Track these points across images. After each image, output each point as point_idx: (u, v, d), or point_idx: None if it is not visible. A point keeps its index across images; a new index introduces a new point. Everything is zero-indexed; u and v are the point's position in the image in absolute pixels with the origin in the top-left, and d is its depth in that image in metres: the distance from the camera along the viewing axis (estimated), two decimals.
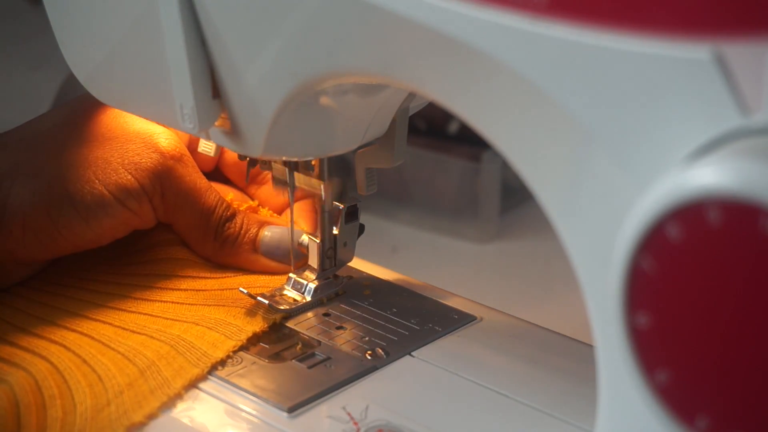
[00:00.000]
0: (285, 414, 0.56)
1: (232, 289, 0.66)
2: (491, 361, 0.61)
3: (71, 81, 0.66)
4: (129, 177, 0.64)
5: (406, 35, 0.47)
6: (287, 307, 0.64)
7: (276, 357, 0.61)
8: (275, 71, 0.53)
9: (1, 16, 1.12)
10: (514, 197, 0.97)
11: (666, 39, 0.40)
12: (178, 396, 0.57)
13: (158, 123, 0.65)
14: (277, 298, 0.65)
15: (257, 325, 0.63)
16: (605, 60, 0.42)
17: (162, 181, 0.65)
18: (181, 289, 0.66)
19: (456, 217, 0.94)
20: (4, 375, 0.58)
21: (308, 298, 0.65)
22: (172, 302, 0.65)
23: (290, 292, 0.66)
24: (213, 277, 0.67)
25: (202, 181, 0.67)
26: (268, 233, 0.67)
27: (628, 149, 0.42)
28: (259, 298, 0.64)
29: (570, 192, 0.45)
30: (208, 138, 0.60)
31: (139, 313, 0.64)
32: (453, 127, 0.95)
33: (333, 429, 0.55)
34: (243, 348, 0.61)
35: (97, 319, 0.63)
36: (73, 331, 0.62)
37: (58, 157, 0.64)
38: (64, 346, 0.61)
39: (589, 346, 0.50)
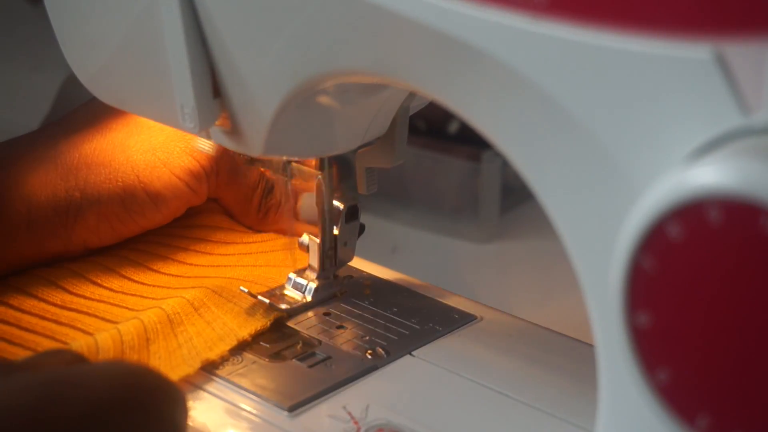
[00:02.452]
0: (285, 413, 0.56)
1: (275, 251, 0.70)
2: (491, 361, 0.61)
3: (72, 81, 0.66)
4: (191, 159, 0.68)
5: (406, 35, 0.47)
6: (287, 306, 0.64)
7: (276, 356, 0.61)
8: (276, 71, 0.53)
9: (2, 17, 1.12)
10: (514, 197, 0.96)
11: (666, 39, 0.40)
12: (246, 342, 0.61)
13: (159, 122, 0.65)
14: (277, 298, 0.65)
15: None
16: (605, 60, 0.42)
17: (217, 161, 0.69)
18: (230, 254, 0.70)
19: (456, 217, 0.94)
20: (77, 324, 0.62)
21: (309, 298, 0.65)
22: (223, 265, 0.69)
23: (290, 292, 0.66)
24: (256, 241, 0.71)
25: (245, 158, 0.70)
26: (305, 201, 0.70)
27: (628, 149, 0.42)
28: (259, 297, 0.64)
29: (570, 191, 0.45)
30: (208, 137, 0.60)
31: (194, 276, 0.67)
32: (453, 127, 0.94)
33: (333, 428, 0.55)
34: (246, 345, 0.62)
35: (160, 271, 0.67)
36: (143, 297, 0.65)
37: (123, 143, 0.67)
38: (141, 296, 0.65)
39: (590, 346, 0.50)
